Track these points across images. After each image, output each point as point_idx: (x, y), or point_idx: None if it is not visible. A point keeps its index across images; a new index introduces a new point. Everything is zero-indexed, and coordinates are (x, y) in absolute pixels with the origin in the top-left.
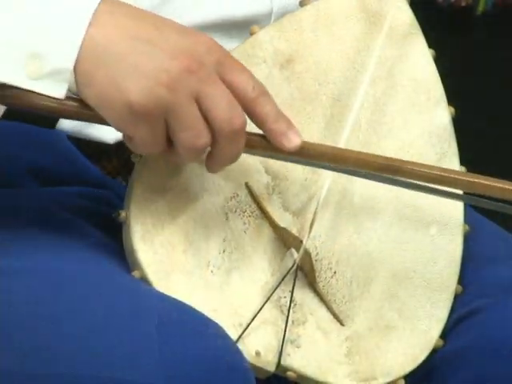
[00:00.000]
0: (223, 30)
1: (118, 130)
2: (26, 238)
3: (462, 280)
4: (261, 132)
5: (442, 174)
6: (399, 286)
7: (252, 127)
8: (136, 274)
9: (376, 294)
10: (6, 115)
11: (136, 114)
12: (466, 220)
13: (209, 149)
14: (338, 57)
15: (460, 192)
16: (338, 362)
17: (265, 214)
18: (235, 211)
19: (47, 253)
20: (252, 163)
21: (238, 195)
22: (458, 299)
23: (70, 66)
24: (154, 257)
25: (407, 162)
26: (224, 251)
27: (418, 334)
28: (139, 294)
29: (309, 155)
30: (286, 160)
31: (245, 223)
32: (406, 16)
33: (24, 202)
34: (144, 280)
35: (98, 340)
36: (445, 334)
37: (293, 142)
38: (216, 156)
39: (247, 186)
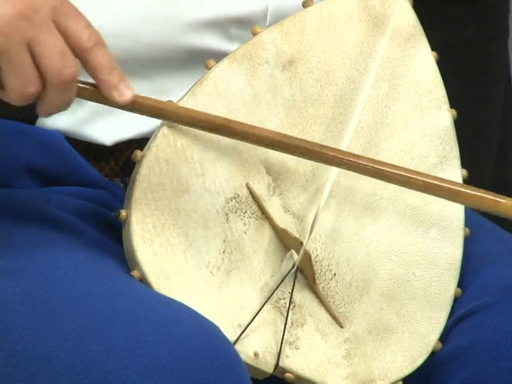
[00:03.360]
0: (222, 28)
1: None
2: (24, 237)
3: (461, 280)
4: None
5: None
6: (399, 289)
7: None
8: (135, 273)
9: (375, 296)
10: (4, 115)
11: None
12: (467, 220)
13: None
14: (340, 58)
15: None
16: (336, 363)
17: (265, 214)
18: (236, 212)
19: (45, 253)
20: (253, 164)
21: (238, 196)
22: (457, 300)
23: None
24: (154, 257)
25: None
26: (224, 252)
27: (417, 337)
28: (136, 294)
29: (140, 109)
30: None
31: (245, 224)
32: (409, 18)
33: (22, 202)
34: (143, 280)
35: (94, 340)
36: (443, 336)
37: (123, 95)
38: (46, 102)
39: (248, 186)
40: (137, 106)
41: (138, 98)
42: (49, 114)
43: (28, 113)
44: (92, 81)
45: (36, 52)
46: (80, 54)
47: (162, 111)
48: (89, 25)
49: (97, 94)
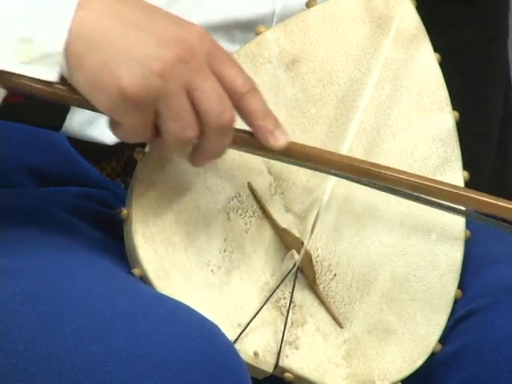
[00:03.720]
0: (226, 31)
1: (107, 115)
2: (24, 237)
3: (462, 281)
4: (248, 129)
5: (427, 183)
6: (399, 290)
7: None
8: (136, 271)
9: (376, 297)
10: (7, 116)
11: (127, 101)
12: (468, 221)
13: (195, 141)
14: (343, 59)
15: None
16: (335, 364)
17: (266, 214)
18: (237, 211)
19: (45, 253)
20: (255, 163)
21: (240, 195)
22: (457, 302)
23: (60, 48)
24: (155, 255)
25: (390, 169)
26: (225, 251)
27: (417, 338)
28: (136, 294)
29: (294, 155)
30: (272, 158)
31: (246, 223)
32: (412, 19)
33: (23, 202)
34: (144, 278)
35: (94, 340)
36: (443, 338)
37: (279, 140)
38: (202, 149)
39: (249, 186)
40: (291, 152)
41: (292, 144)
42: (202, 164)
43: (55, 119)
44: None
45: (195, 96)
46: (235, 100)
47: (317, 158)
48: (242, 70)
49: (251, 140)
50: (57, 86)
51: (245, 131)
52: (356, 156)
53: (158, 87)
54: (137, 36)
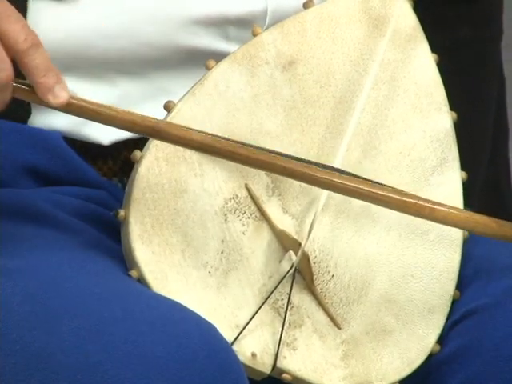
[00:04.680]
0: (220, 28)
1: None
2: (22, 237)
3: (460, 281)
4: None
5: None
6: (397, 291)
7: None
8: (133, 273)
9: (373, 297)
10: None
11: None
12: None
13: None
14: (340, 60)
15: None
16: (333, 365)
17: (264, 215)
18: (234, 212)
19: (43, 253)
20: None
21: (237, 196)
22: (455, 303)
23: None
24: (152, 256)
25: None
26: (222, 252)
27: (415, 339)
28: (134, 294)
29: (77, 112)
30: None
31: (244, 225)
32: (409, 20)
33: (20, 202)
34: (141, 279)
35: (92, 339)
36: (442, 338)
37: (58, 97)
38: None
39: (247, 187)
40: (73, 108)
41: (75, 100)
42: None
43: (20, 111)
44: None
45: None
46: (16, 56)
47: (99, 114)
48: (25, 26)
49: (33, 95)
50: None
51: (28, 84)
52: (354, 157)
53: None
54: None
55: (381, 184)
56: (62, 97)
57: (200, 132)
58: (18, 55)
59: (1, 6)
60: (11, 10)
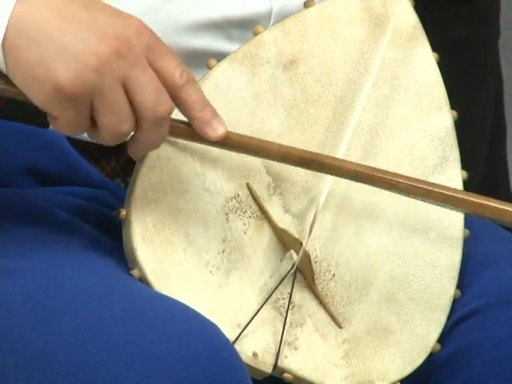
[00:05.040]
0: (223, 30)
1: (43, 109)
2: (24, 237)
3: (461, 281)
4: (186, 119)
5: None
6: (398, 290)
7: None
8: (135, 272)
9: (374, 297)
10: (4, 115)
11: (63, 96)
12: (467, 220)
13: (132, 132)
14: (341, 59)
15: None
16: (334, 364)
17: (265, 215)
18: (235, 212)
19: (44, 253)
20: (253, 164)
21: (238, 196)
22: (457, 301)
23: None
24: (154, 256)
25: (334, 159)
26: (223, 251)
27: (416, 338)
28: (135, 293)
29: (233, 145)
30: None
31: (245, 224)
32: (410, 19)
33: (22, 202)
34: (143, 279)
35: (93, 339)
36: (443, 338)
37: (217, 131)
38: (138, 141)
39: (248, 186)
40: (229, 142)
41: (230, 134)
42: (139, 155)
43: (41, 118)
44: (183, 118)
45: (131, 90)
46: (173, 92)
47: (256, 148)
48: (180, 63)
49: (189, 131)
50: None
51: (183, 122)
52: (354, 156)
53: (93, 82)
54: (74, 30)
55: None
56: (219, 130)
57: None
58: (175, 91)
59: (158, 44)
60: (166, 46)
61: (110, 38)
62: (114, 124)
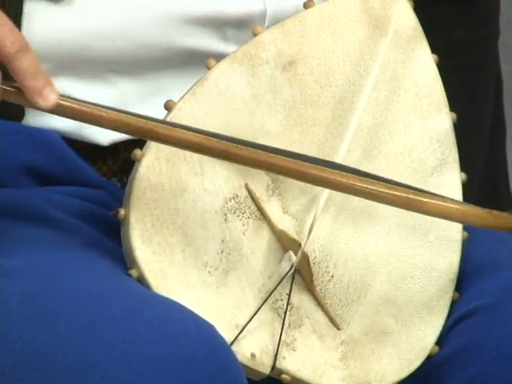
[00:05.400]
0: (218, 29)
1: None
2: (20, 237)
3: (460, 281)
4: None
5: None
6: (396, 292)
7: None
8: (133, 272)
9: (373, 298)
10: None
11: None
12: (466, 225)
13: None
14: (341, 60)
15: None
16: (332, 365)
17: (264, 215)
18: (234, 212)
19: (43, 252)
20: None
21: (237, 196)
22: (455, 304)
23: None
24: (152, 256)
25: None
26: (222, 252)
27: (414, 340)
28: (133, 294)
29: (69, 113)
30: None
31: (244, 224)
32: (410, 21)
33: (18, 202)
34: (141, 279)
35: (91, 339)
36: (442, 338)
37: (47, 100)
38: None
39: (247, 187)
40: (63, 110)
41: (64, 101)
42: None
43: (14, 110)
44: None
45: None
46: (4, 60)
47: (88, 115)
48: (13, 29)
49: (22, 98)
50: None
51: (17, 87)
52: (354, 157)
53: None
54: None
55: (374, 176)
56: (51, 99)
57: (191, 131)
58: (6, 58)
59: None
60: None
61: None
62: None
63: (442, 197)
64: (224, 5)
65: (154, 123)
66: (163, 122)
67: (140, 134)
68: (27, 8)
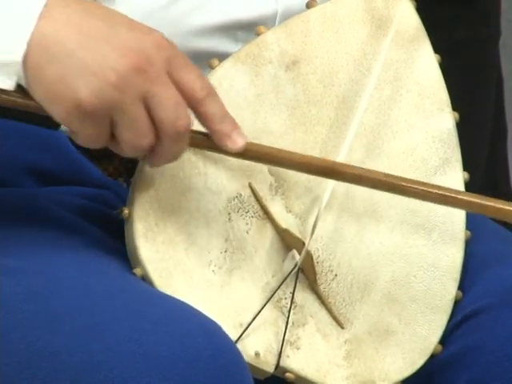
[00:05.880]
0: (228, 32)
1: (64, 124)
2: (25, 237)
3: (463, 281)
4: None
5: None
6: (400, 291)
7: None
8: (137, 271)
9: (376, 297)
10: (6, 115)
11: (83, 112)
12: (468, 221)
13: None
14: (343, 59)
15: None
16: (336, 364)
17: (267, 214)
18: (238, 211)
19: (47, 252)
20: (256, 164)
21: (241, 195)
22: (459, 303)
23: (19, 58)
24: (156, 255)
25: (348, 166)
26: (226, 251)
27: (417, 339)
28: (138, 293)
29: (252, 156)
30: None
31: (247, 223)
32: (412, 20)
33: (23, 201)
34: (145, 278)
35: (96, 338)
36: (446, 338)
37: (236, 143)
38: (158, 154)
39: (250, 186)
40: (249, 153)
41: (250, 145)
42: (159, 166)
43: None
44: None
45: (151, 105)
46: (193, 105)
47: (275, 158)
48: (200, 75)
49: (209, 142)
50: (13, 93)
51: (202, 133)
52: (357, 156)
53: (113, 98)
54: (95, 47)
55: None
56: (239, 142)
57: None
58: (195, 104)
59: (178, 57)
60: (186, 59)
61: (129, 53)
62: (134, 139)
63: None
64: (237, 10)
65: (339, 164)
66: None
67: (324, 174)
68: None
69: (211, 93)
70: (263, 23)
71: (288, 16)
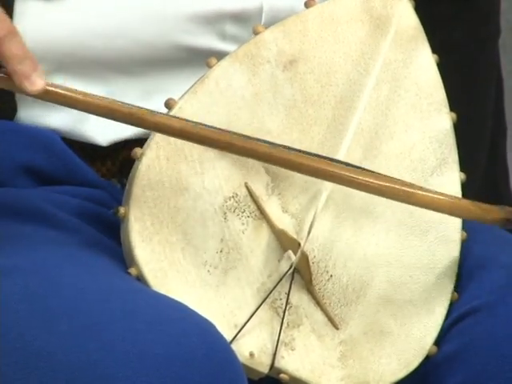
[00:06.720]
0: (215, 26)
1: None
2: (20, 236)
3: (459, 283)
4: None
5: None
6: (395, 292)
7: None
8: (133, 271)
9: (372, 298)
10: None
11: None
12: (464, 221)
13: None
14: (341, 59)
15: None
16: (331, 365)
17: (263, 214)
18: (234, 211)
19: (43, 251)
20: (252, 163)
21: (237, 195)
22: (453, 304)
23: None
24: (152, 254)
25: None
26: (221, 251)
27: (413, 340)
28: (133, 292)
29: (56, 99)
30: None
31: (243, 223)
32: (411, 20)
33: (18, 201)
34: (140, 277)
35: (91, 338)
36: (441, 337)
37: (35, 85)
38: None
39: (247, 186)
40: (50, 96)
41: (52, 87)
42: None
43: (6, 105)
44: None
45: None
46: None
47: (75, 101)
48: (1, 16)
49: (10, 83)
50: None
51: (3, 73)
52: (354, 157)
53: None
54: None
55: (363, 169)
56: (38, 84)
57: (180, 119)
58: None
59: None
60: None
61: None
62: None
63: (432, 190)
64: (221, 1)
65: (140, 110)
66: (148, 110)
67: (127, 120)
68: (18, 8)
69: (11, 32)
70: (248, 17)
71: (275, 11)
